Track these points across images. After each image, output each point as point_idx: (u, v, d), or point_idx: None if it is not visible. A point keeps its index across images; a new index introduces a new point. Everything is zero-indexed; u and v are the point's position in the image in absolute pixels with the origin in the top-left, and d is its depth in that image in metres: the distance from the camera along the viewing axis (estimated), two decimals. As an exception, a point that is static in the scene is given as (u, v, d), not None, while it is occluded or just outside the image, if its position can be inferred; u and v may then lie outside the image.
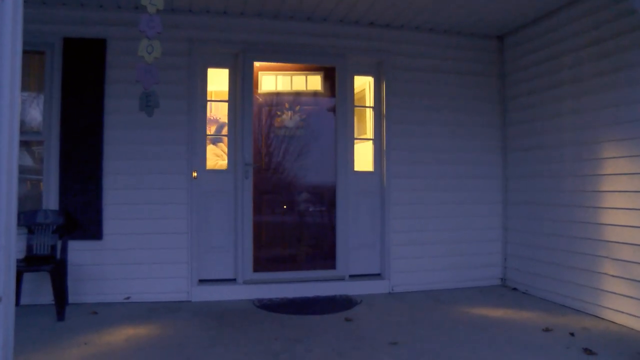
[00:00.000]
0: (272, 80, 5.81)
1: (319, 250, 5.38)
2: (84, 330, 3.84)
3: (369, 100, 5.60)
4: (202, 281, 4.94)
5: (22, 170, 4.73)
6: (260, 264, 5.25)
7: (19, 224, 4.10)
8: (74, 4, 4.66)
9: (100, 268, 4.69)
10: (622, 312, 4.04)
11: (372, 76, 5.49)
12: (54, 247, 4.46)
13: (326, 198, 5.38)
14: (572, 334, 3.80)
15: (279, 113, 5.61)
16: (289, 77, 5.74)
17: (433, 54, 5.49)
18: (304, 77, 5.63)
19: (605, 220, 4.25)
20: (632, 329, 3.92)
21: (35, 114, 4.85)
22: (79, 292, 4.60)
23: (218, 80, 5.35)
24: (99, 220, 4.69)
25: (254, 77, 5.66)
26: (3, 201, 2.17)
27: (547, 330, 3.92)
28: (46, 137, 4.69)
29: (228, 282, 5.00)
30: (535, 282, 5.06)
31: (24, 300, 4.38)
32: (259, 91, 5.69)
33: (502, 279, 5.60)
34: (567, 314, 4.39)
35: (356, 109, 5.49)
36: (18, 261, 3.97)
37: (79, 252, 4.60)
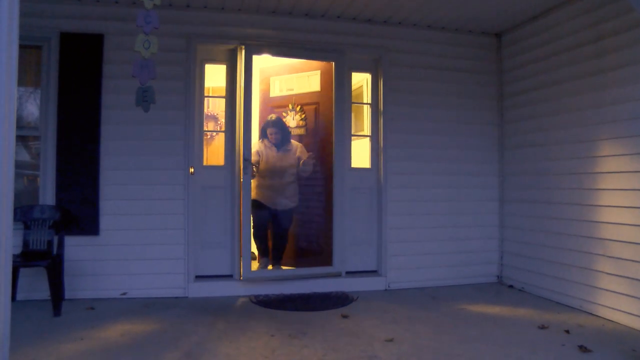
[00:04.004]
0: (274, 82, 5.85)
1: (316, 246, 5.38)
2: (80, 326, 3.84)
3: (367, 97, 5.59)
4: (198, 277, 4.93)
5: (19, 165, 4.72)
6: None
7: (16, 219, 4.08)
8: (71, -2, 4.66)
9: (96, 264, 4.68)
10: (618, 310, 4.06)
11: (370, 73, 5.48)
12: (50, 243, 4.45)
13: (323, 195, 5.38)
14: (567, 332, 3.82)
15: (284, 114, 5.63)
16: (289, 78, 5.76)
17: (431, 51, 5.48)
18: (303, 76, 5.64)
19: (601, 218, 4.26)
20: (628, 326, 3.94)
21: (32, 109, 4.83)
22: (76, 287, 4.59)
23: (215, 76, 5.34)
24: (95, 215, 4.69)
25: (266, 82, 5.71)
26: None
27: (542, 327, 3.94)
28: (43, 132, 4.67)
29: (225, 278, 4.99)
30: (532, 280, 5.08)
31: (20, 296, 4.37)
32: (270, 95, 5.73)
33: (498, 276, 5.61)
34: (562, 312, 4.41)
35: (353, 105, 5.48)
36: (14, 256, 3.94)
37: (75, 247, 4.59)
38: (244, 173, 4.81)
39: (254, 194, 5.16)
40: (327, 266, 5.19)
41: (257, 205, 5.20)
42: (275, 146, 5.34)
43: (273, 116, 5.45)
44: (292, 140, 5.45)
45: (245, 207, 4.95)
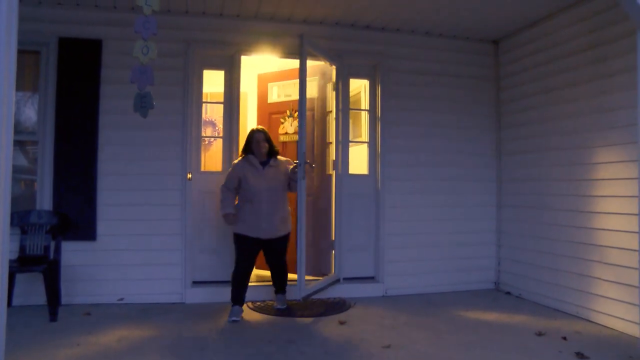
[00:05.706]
0: (272, 87, 5.84)
1: (314, 252, 5.37)
2: (77, 331, 3.82)
3: (364, 103, 5.60)
4: (195, 283, 4.93)
5: (16, 170, 4.70)
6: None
7: (12, 224, 4.09)
8: (70, 3, 4.65)
9: (93, 269, 4.67)
10: (615, 316, 4.06)
11: (368, 79, 5.49)
12: (47, 248, 4.44)
13: (321, 201, 5.38)
14: (564, 338, 3.82)
15: (282, 120, 5.62)
16: (287, 84, 5.76)
17: (428, 57, 5.50)
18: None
19: (598, 225, 4.27)
20: (624, 333, 3.94)
21: (30, 114, 4.83)
22: (72, 293, 4.58)
23: (213, 82, 5.35)
24: (92, 220, 4.68)
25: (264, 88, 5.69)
26: (-4, 201, 2.17)
27: (540, 334, 3.93)
28: (40, 137, 4.67)
29: (221, 284, 4.98)
30: (529, 286, 5.08)
31: (16, 301, 4.35)
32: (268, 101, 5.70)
33: (495, 282, 5.61)
34: (559, 318, 4.41)
35: (351, 111, 5.49)
36: (11, 262, 3.95)
37: (72, 252, 4.58)
38: (302, 178, 4.40)
39: (237, 227, 4.46)
40: (328, 274, 5.16)
41: (243, 240, 4.42)
42: (261, 163, 4.49)
43: (259, 126, 4.84)
44: (279, 157, 4.65)
45: (300, 218, 4.47)
